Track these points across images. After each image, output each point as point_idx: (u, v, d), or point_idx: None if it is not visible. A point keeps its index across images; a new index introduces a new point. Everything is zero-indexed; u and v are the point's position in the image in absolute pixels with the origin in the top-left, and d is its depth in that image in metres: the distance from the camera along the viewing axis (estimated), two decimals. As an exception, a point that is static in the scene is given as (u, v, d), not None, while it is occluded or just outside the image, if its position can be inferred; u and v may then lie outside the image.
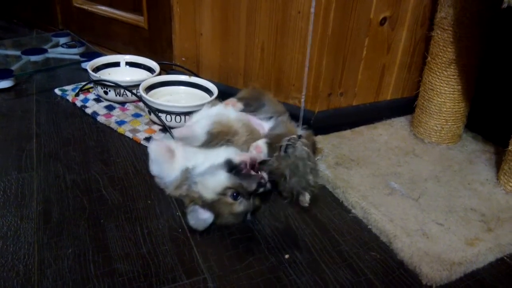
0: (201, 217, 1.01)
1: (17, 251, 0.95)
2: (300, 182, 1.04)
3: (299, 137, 1.09)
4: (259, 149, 1.09)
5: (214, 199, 1.01)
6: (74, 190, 1.14)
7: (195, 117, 1.20)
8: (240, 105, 1.22)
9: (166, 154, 1.10)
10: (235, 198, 1.01)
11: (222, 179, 1.01)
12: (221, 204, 1.01)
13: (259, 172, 1.03)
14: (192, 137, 1.09)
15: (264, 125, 1.23)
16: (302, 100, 1.17)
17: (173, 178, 1.08)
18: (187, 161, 1.08)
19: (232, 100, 1.24)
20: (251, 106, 1.24)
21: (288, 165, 1.05)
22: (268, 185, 1.04)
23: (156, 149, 1.12)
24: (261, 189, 1.02)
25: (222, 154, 1.06)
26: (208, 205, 1.02)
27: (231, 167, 1.03)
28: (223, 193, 1.01)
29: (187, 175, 1.06)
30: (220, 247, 0.99)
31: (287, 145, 1.07)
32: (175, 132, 1.14)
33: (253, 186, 1.00)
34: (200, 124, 1.11)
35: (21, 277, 0.88)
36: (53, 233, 1.00)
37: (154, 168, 1.13)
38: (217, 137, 1.08)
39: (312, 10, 1.14)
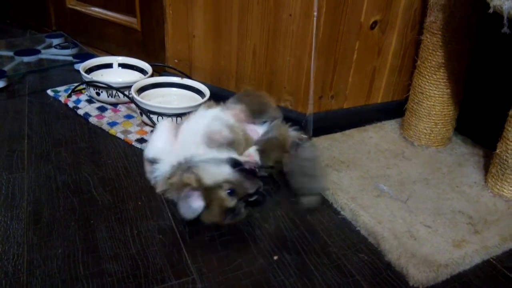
0: (193, 205, 1.00)
1: (6, 251, 0.95)
2: (308, 182, 1.05)
3: (310, 138, 1.10)
4: (252, 157, 1.10)
5: (211, 187, 1.00)
6: (65, 191, 1.14)
7: (192, 119, 1.19)
8: (244, 118, 1.21)
9: (172, 135, 1.10)
10: (230, 194, 1.00)
11: (225, 170, 1.02)
12: (214, 195, 1.00)
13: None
14: (219, 143, 1.09)
15: (259, 130, 1.24)
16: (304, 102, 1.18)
17: (168, 165, 1.08)
18: (185, 151, 1.08)
19: (238, 114, 1.21)
20: (254, 118, 1.23)
21: (297, 165, 1.06)
22: (260, 197, 1.04)
23: (165, 126, 1.12)
24: (255, 197, 1.02)
25: (224, 154, 1.07)
26: (204, 190, 1.00)
27: (236, 163, 1.03)
28: (220, 185, 1.00)
29: (183, 163, 1.06)
30: (209, 248, 1.00)
31: (297, 144, 1.09)
32: (209, 133, 1.11)
33: (253, 189, 1.01)
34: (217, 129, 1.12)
35: (10, 277, 0.89)
36: (43, 233, 1.00)
37: (153, 147, 1.11)
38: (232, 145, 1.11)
39: (315, 13, 1.16)
